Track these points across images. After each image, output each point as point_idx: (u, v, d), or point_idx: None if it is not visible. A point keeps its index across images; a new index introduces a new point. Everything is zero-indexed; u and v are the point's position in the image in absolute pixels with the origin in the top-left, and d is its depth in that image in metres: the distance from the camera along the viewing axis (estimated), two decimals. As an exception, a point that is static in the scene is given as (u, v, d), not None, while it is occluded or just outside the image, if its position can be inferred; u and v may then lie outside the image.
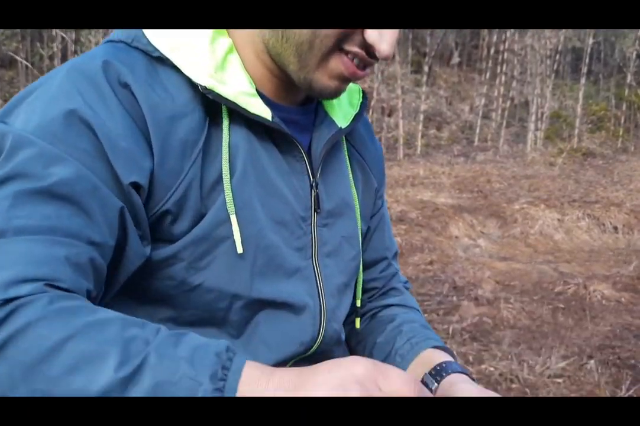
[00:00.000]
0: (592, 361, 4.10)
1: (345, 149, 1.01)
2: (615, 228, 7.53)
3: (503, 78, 14.96)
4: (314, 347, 0.93)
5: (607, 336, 4.57)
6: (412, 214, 7.72)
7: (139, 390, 0.60)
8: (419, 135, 12.43)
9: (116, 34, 0.85)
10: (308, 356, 0.94)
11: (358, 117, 0.97)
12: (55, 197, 0.70)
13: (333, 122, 0.94)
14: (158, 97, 0.78)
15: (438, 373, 0.92)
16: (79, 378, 0.60)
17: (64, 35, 14.24)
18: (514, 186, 9.10)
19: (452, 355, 0.99)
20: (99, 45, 0.87)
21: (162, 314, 0.84)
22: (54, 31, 14.60)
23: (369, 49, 0.81)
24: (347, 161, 1.01)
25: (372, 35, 0.79)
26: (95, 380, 0.60)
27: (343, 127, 0.94)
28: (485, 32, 18.05)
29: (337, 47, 0.81)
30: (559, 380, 3.92)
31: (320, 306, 0.93)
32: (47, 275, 0.66)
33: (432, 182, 9.29)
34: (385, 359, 1.03)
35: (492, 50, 17.34)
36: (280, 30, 0.81)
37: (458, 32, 17.98)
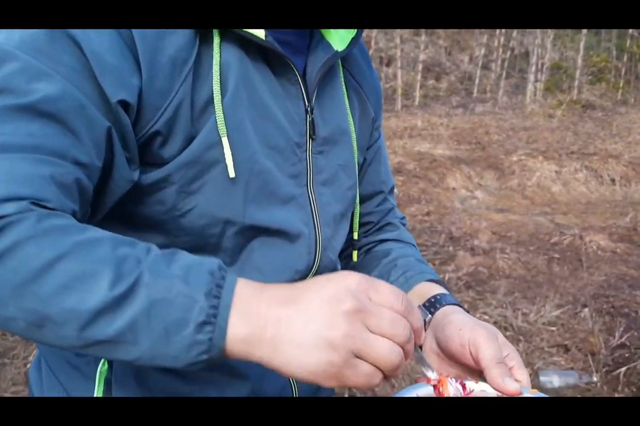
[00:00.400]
0: (586, 310, 4.16)
1: (342, 75, 0.97)
2: (613, 180, 7.53)
3: (504, 28, 14.72)
4: (309, 276, 0.92)
5: (601, 285, 4.62)
6: (410, 165, 7.69)
7: (134, 308, 0.60)
8: (418, 86, 12.28)
9: None
10: None
11: (355, 40, 0.92)
12: (40, 114, 0.67)
13: (329, 45, 0.90)
14: None
15: (432, 304, 0.92)
16: (71, 297, 0.60)
17: None
18: (512, 137, 9.04)
19: (446, 287, 0.98)
20: None
21: (153, 240, 0.80)
22: None
23: None
24: (344, 87, 0.98)
25: None
26: (88, 299, 0.60)
27: (339, 50, 0.90)
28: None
29: None
30: (553, 328, 3.99)
31: (315, 234, 0.92)
32: (32, 194, 0.64)
33: (430, 134, 9.22)
34: None
35: (493, -1, 16.88)
36: None
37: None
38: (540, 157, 7.96)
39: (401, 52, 12.41)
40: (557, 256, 5.25)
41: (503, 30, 14.60)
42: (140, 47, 0.73)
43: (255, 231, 0.86)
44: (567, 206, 6.90)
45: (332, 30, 0.92)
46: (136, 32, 0.72)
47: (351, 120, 0.98)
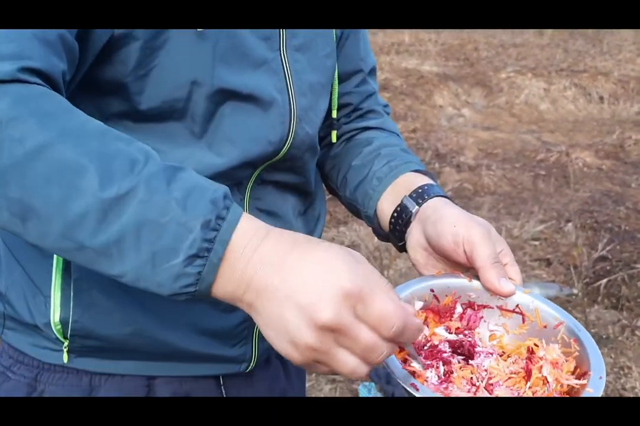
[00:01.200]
0: (569, 225, 4.18)
1: None
2: (601, 98, 7.43)
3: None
4: (284, 149, 0.87)
5: (586, 201, 4.63)
6: (396, 82, 7.53)
7: (123, 221, 0.56)
8: (406, 1, 11.92)
9: None
10: (278, 160, 0.88)
11: None
12: None
13: None
14: None
15: (419, 195, 0.88)
16: (57, 191, 0.56)
17: None
18: (502, 54, 8.84)
19: (433, 178, 0.94)
20: None
21: (115, 107, 0.77)
22: None
23: None
24: None
25: None
26: (75, 196, 0.55)
27: None
28: None
29: None
30: (536, 243, 4.02)
31: (289, 103, 0.86)
32: (18, 52, 0.59)
33: (417, 50, 9.00)
34: (361, 182, 0.99)
35: None
36: None
37: None
38: (529, 74, 7.81)
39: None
40: (542, 172, 5.23)
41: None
42: None
43: (225, 95, 0.80)
44: (555, 124, 6.83)
45: None
46: None
47: None
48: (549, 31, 10.32)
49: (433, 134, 6.04)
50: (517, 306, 0.78)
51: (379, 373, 2.51)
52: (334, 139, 1.03)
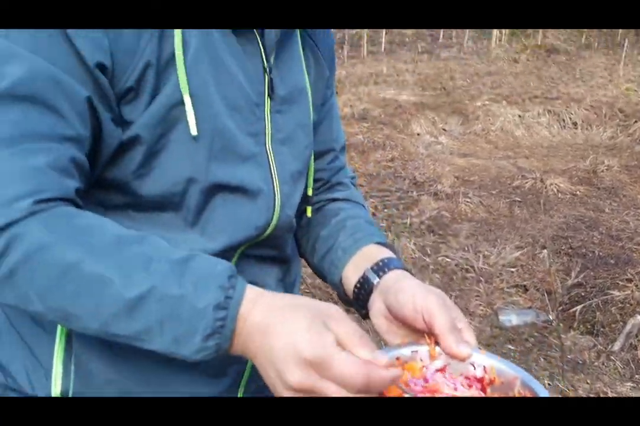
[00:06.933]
0: (545, 251, 4.25)
1: (299, 35, 0.99)
2: (575, 124, 7.58)
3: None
4: (267, 231, 0.95)
5: (560, 227, 4.71)
6: (375, 112, 7.65)
7: (148, 317, 0.67)
8: (384, 32, 12.10)
9: None
10: (261, 240, 0.96)
11: None
12: (17, 99, 0.69)
13: None
14: None
15: (380, 268, 0.95)
16: (89, 300, 0.67)
17: None
18: (477, 82, 9.01)
19: (393, 250, 1.01)
20: None
21: (117, 200, 0.85)
22: None
23: None
24: (300, 47, 0.99)
25: None
26: (105, 302, 0.66)
27: None
28: None
29: None
30: (512, 269, 4.07)
31: (274, 191, 0.94)
32: (35, 188, 0.68)
33: (395, 80, 9.15)
34: (328, 252, 1.06)
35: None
36: None
37: None
38: (504, 101, 7.96)
39: (366, -4, 12.19)
40: (518, 199, 5.32)
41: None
42: None
43: (217, 188, 0.88)
44: (530, 149, 6.96)
45: None
46: None
47: (307, 79, 0.99)
48: (522, 58, 10.53)
49: (411, 162, 6.13)
50: (480, 371, 0.84)
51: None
52: (309, 214, 1.10)
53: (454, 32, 12.82)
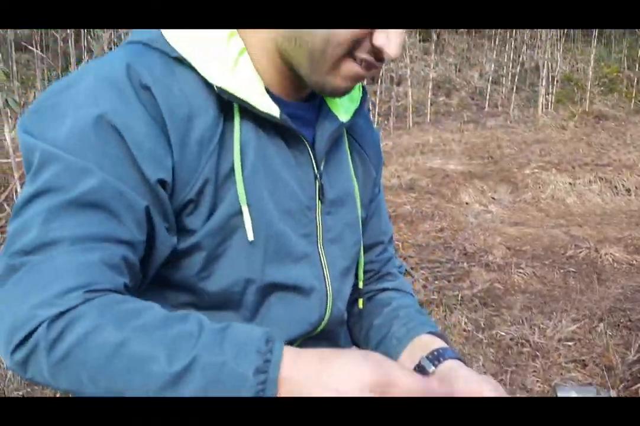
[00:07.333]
0: (602, 324, 4.10)
1: (347, 141, 1.07)
2: (628, 190, 7.45)
3: (513, 43, 14.72)
4: (321, 326, 1.00)
5: (618, 298, 4.56)
6: (422, 182, 7.68)
7: (194, 385, 0.69)
8: (428, 103, 12.29)
9: (135, 35, 0.90)
10: (315, 335, 1.00)
11: (358, 111, 1.03)
12: (84, 205, 0.76)
13: (335, 116, 1.00)
14: (176, 98, 0.83)
15: (435, 357, 0.98)
16: (136, 377, 0.69)
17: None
18: (525, 150, 9.00)
19: (446, 340, 1.04)
20: (118, 44, 0.93)
21: (183, 299, 0.92)
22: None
23: (377, 54, 0.87)
24: (348, 153, 1.07)
25: (380, 39, 0.84)
26: (152, 379, 0.69)
27: (344, 121, 1.01)
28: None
29: (349, 54, 0.86)
30: (570, 343, 3.93)
31: (326, 288, 0.99)
32: (88, 281, 0.74)
33: (441, 150, 9.21)
34: (382, 341, 1.10)
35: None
36: (293, 37, 0.87)
37: None
38: (553, 169, 7.91)
39: (411, 71, 12.44)
40: (572, 269, 5.19)
41: (512, 46, 14.66)
42: (172, 131, 0.82)
43: (273, 288, 0.94)
44: (582, 217, 6.84)
45: (338, 102, 1.02)
46: (167, 118, 0.82)
47: (355, 183, 1.07)
48: (570, 125, 10.52)
49: (460, 232, 6.08)
50: None
51: None
52: (360, 306, 1.15)
53: (499, 100, 12.95)
